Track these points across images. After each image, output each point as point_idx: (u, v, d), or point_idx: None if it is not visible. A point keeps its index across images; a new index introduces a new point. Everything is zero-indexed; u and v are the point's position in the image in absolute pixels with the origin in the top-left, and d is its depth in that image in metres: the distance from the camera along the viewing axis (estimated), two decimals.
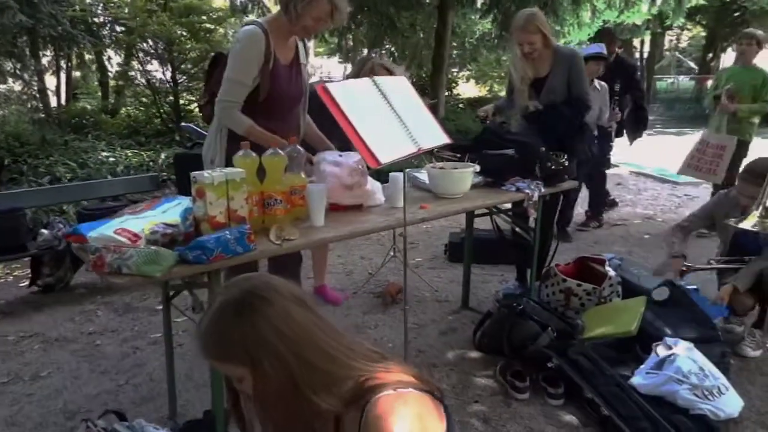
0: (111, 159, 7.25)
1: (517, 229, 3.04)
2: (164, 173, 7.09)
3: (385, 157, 1.64)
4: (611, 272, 2.89)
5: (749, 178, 2.53)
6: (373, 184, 2.19)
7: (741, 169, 2.64)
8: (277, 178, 1.95)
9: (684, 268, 2.76)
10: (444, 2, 8.72)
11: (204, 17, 9.27)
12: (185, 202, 1.88)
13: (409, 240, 2.24)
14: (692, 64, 25.95)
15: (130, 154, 7.68)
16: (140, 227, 1.67)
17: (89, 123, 9.81)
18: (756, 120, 4.29)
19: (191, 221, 1.80)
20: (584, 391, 2.17)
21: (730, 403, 2.06)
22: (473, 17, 11.13)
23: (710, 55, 20.52)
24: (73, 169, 6.72)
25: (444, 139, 2.00)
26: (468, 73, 17.66)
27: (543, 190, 2.59)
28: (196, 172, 1.78)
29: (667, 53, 26.06)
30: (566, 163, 2.70)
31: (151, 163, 7.40)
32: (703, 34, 21.50)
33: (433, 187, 2.45)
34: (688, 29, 21.56)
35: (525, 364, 2.37)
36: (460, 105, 14.22)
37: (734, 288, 2.57)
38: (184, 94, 9.95)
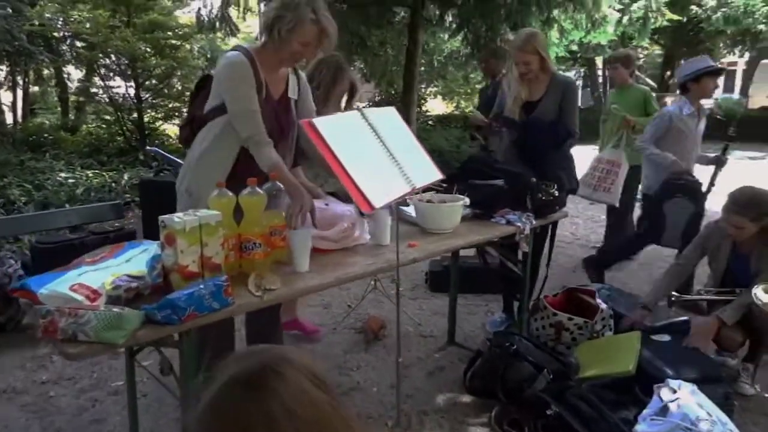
0: (70, 180, 6.88)
1: (505, 260, 2.92)
2: (127, 195, 6.77)
3: (379, 200, 1.49)
4: (603, 305, 2.79)
5: (733, 208, 2.50)
6: (358, 223, 2.03)
7: (726, 199, 2.59)
8: (255, 219, 1.78)
9: (645, 315, 2.70)
10: (414, 21, 8.68)
11: (170, 33, 9.01)
12: (152, 248, 1.69)
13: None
14: (651, 82, 26.81)
15: (90, 175, 7.32)
16: (100, 281, 1.47)
17: (48, 141, 9.38)
18: None
19: (159, 271, 1.61)
20: None
21: None
22: (442, 36, 11.16)
23: (668, 73, 21.18)
24: (28, 191, 6.34)
25: (437, 174, 1.86)
26: (435, 89, 17.74)
27: (534, 222, 2.48)
28: (165, 217, 1.59)
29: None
30: (556, 193, 2.60)
31: (113, 185, 7.06)
32: (658, 52, 22.19)
33: (421, 221, 2.30)
34: (645, 48, 22.25)
35: (521, 411, 2.22)
36: (430, 122, 14.23)
37: (721, 321, 2.48)
38: (149, 111, 9.62)
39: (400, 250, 1.95)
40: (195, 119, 2.05)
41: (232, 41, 8.76)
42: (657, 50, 22.26)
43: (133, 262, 1.62)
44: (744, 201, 2.52)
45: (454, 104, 18.63)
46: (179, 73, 9.23)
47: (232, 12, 7.91)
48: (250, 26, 16.06)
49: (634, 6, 9.20)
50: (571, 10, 7.85)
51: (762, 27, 12.10)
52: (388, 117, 1.84)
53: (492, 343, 2.57)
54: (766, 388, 2.54)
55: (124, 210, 6.38)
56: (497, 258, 2.99)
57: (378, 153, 1.64)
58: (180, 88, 9.54)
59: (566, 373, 2.36)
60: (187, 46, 9.49)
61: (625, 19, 8.86)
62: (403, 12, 9.33)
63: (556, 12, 7.44)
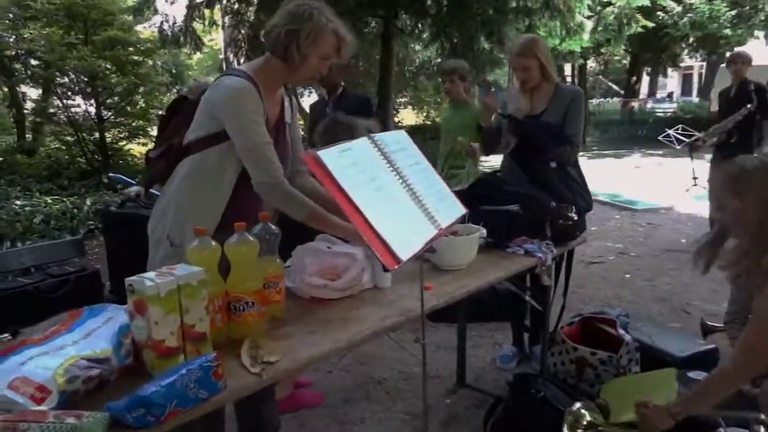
0: (27, 208, 6.37)
1: (514, 288, 2.66)
2: (90, 222, 6.30)
3: (406, 251, 1.19)
4: (627, 337, 2.54)
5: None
6: (366, 268, 1.72)
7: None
8: (245, 273, 1.45)
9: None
10: (388, 31, 8.47)
11: (130, 49, 8.58)
12: (119, 315, 1.35)
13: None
14: (616, 87, 27.30)
15: (50, 201, 6.82)
16: (50, 372, 1.12)
17: (2, 165, 8.80)
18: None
19: (129, 347, 1.27)
20: None
21: None
22: (415, 46, 10.99)
23: (634, 78, 21.54)
24: None
25: (460, 209, 1.58)
26: (404, 99, 17.60)
27: (555, 251, 2.21)
28: (134, 279, 1.25)
29: (590, 78, 27.34)
30: (575, 217, 2.34)
31: (75, 211, 6.58)
32: (616, 58, 22.62)
33: (432, 257, 2.01)
34: (613, 54, 22.66)
35: None
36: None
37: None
38: (112, 130, 9.14)
39: (415, 296, 1.67)
40: (172, 149, 1.72)
41: (197, 56, 8.40)
42: (617, 57, 22.64)
43: (94, 337, 1.28)
44: None
45: (425, 114, 18.53)
46: (142, 90, 8.81)
47: (196, 26, 7.55)
48: (214, 39, 15.66)
49: (607, 10, 9.16)
50: (547, 18, 7.75)
51: (727, 31, 12.31)
52: (401, 143, 1.55)
53: (513, 389, 2.29)
54: None
55: (87, 239, 5.96)
56: (504, 283, 2.73)
57: (396, 189, 1.35)
58: (144, 105, 9.10)
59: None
60: (150, 62, 9.07)
61: (601, 26, 8.81)
62: (375, 22, 9.12)
63: (534, 20, 7.30)
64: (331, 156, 1.24)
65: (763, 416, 2.21)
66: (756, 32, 14.25)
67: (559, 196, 2.38)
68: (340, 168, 1.22)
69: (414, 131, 14.14)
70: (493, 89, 2.92)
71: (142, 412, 1.07)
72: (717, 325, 2.57)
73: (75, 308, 2.57)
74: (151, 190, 2.85)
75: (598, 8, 9.41)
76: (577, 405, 1.98)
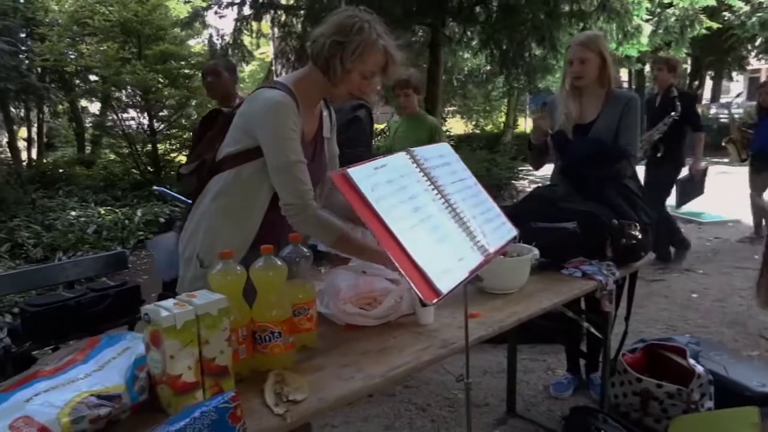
0: (81, 219, 6.56)
1: (570, 314, 2.43)
2: (141, 233, 6.43)
3: (447, 283, 1.04)
4: (699, 368, 2.28)
5: None
6: (406, 294, 1.57)
7: None
8: (272, 300, 1.33)
9: None
10: (435, 39, 8.32)
11: (182, 63, 8.79)
12: (137, 345, 1.25)
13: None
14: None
15: (103, 212, 7.02)
16: (55, 410, 1.03)
17: (61, 176, 9.17)
18: None
19: (143, 383, 1.17)
20: None
21: None
22: (463, 54, 10.80)
23: (696, 82, 20.56)
24: (37, 233, 6.03)
25: (511, 232, 1.40)
26: (453, 108, 17.37)
27: (617, 274, 1.99)
28: (149, 308, 1.15)
29: (648, 84, 26.32)
30: (639, 236, 2.11)
31: (126, 221, 6.73)
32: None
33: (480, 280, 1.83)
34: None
35: None
36: (452, 142, 13.81)
37: None
38: (164, 143, 9.38)
39: (455, 323, 1.50)
40: (205, 165, 1.64)
41: (248, 69, 8.52)
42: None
43: (108, 369, 1.19)
44: None
45: (474, 123, 18.23)
46: (193, 103, 9.00)
47: (245, 38, 7.64)
48: (265, 52, 15.95)
49: (668, 11, 8.70)
50: (602, 21, 7.40)
51: None
52: (444, 157, 1.39)
53: (569, 423, 2.08)
54: None
55: (136, 249, 6.07)
56: (558, 307, 2.51)
57: (437, 210, 1.19)
58: (195, 117, 9.30)
59: None
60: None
61: (661, 28, 8.36)
62: (422, 31, 9.00)
63: (589, 23, 6.99)
64: (363, 174, 1.10)
65: None
66: None
67: (621, 212, 2.15)
68: (372, 187, 1.07)
69: (462, 140, 13.96)
70: (545, 103, 2.67)
71: None
72: None
73: (115, 322, 2.51)
74: None
75: (658, 10, 8.95)
76: None
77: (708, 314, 3.58)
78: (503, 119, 17.10)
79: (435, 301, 1.03)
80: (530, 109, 16.46)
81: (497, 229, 1.35)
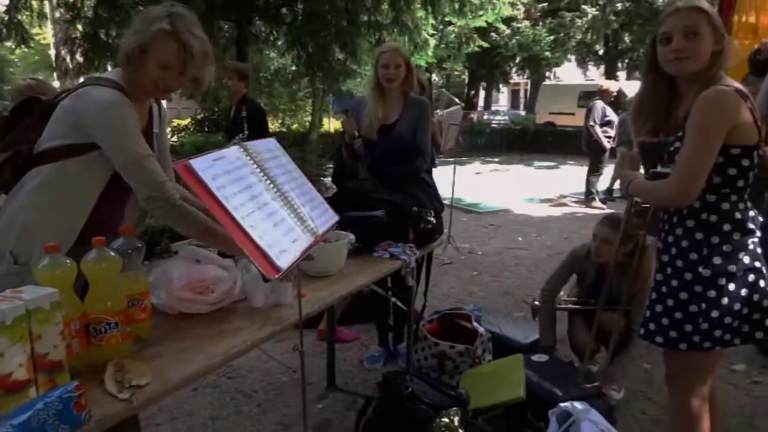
0: None
1: (379, 290, 2.76)
2: None
3: (285, 260, 1.20)
4: (481, 329, 2.79)
5: (606, 222, 2.65)
6: (238, 279, 1.68)
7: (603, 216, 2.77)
8: (106, 292, 1.34)
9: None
10: (242, 36, 8.26)
11: None
12: None
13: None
14: (457, 100, 29.62)
15: None
16: None
17: None
18: None
19: None
20: None
21: None
22: (269, 53, 10.86)
23: (472, 92, 23.53)
24: None
25: (334, 216, 1.62)
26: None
27: (418, 253, 2.35)
28: None
29: (434, 90, 29.37)
30: (434, 221, 2.51)
31: None
32: (456, 73, 24.63)
33: (303, 264, 2.01)
34: (455, 70, 24.49)
35: None
36: None
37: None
38: None
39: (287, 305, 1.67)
40: (19, 156, 1.53)
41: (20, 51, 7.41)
42: (457, 72, 24.50)
43: None
44: (617, 219, 2.63)
45: (280, 121, 18.31)
46: None
47: (23, 18, 6.66)
48: (41, 33, 13.93)
49: (448, 29, 9.90)
50: (396, 33, 8.15)
51: (547, 53, 13.99)
52: (272, 151, 1.54)
53: (382, 387, 2.38)
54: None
55: None
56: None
57: (271, 198, 1.35)
58: None
59: (462, 409, 2.26)
60: None
61: (443, 43, 9.48)
62: (228, 27, 8.84)
63: (384, 35, 7.63)
64: (204, 164, 1.20)
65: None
66: (570, 55, 16.41)
67: (419, 201, 2.53)
68: (214, 177, 1.19)
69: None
70: (347, 110, 2.93)
71: None
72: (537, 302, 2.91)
73: None
74: None
75: (441, 26, 10.14)
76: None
77: (487, 287, 4.28)
78: (309, 119, 17.50)
79: (276, 276, 1.18)
80: (333, 110, 17.13)
81: (322, 215, 1.55)
